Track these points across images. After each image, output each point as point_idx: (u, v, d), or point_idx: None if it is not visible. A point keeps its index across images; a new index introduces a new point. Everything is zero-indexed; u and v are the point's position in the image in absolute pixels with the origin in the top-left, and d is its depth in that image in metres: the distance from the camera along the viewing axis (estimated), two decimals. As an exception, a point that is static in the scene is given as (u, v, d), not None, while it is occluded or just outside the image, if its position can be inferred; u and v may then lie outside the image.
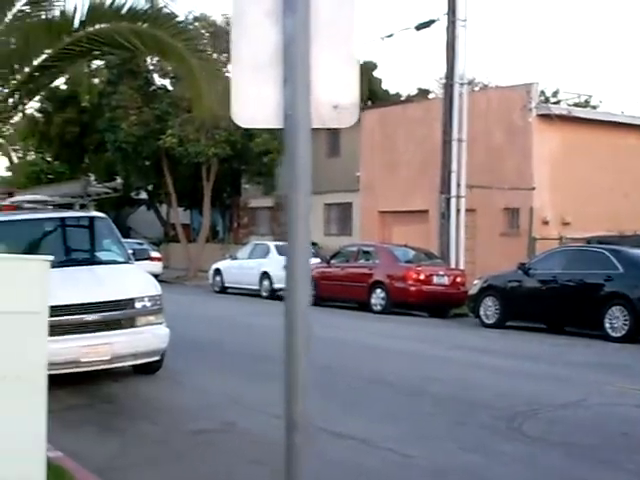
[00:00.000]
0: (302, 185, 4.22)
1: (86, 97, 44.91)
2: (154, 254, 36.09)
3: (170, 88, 41.55)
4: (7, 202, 15.72)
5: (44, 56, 10.37)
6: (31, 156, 55.05)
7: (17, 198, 16.34)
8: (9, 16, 10.25)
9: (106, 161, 45.61)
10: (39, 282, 6.15)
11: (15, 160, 54.72)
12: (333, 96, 4.34)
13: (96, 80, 44.63)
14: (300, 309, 4.28)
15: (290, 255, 4.28)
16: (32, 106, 34.43)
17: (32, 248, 12.72)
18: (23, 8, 10.21)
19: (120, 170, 43.15)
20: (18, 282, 6.08)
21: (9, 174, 58.04)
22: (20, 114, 11.82)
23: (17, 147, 54.93)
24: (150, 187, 46.30)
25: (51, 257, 6.31)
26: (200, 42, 10.42)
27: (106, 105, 41.58)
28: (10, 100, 10.70)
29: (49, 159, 52.95)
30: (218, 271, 33.33)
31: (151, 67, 41.46)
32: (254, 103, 4.31)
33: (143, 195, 49.43)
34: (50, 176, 48.39)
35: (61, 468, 7.32)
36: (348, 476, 8.14)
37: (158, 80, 42.59)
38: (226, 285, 32.65)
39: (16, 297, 6.05)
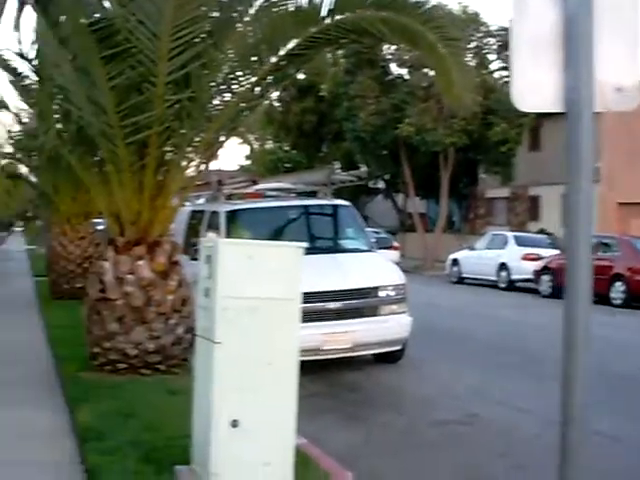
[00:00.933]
0: (585, 171, 4.00)
1: (325, 86, 45.58)
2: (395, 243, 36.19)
3: (407, 77, 41.49)
4: (251, 190, 16.15)
5: (291, 45, 10.47)
6: (269, 145, 56.42)
7: (261, 186, 16.76)
8: (256, 6, 10.40)
9: (344, 150, 46.15)
10: (293, 269, 6.17)
11: (254, 149, 56.16)
12: (616, 79, 4.13)
13: (334, 69, 45.16)
14: (581, 301, 4.06)
15: (571, 244, 4.06)
16: (271, 95, 35.21)
17: (277, 235, 12.97)
18: (269, -2, 10.35)
19: (359, 159, 43.56)
20: (273, 268, 6.12)
21: (248, 162, 59.87)
22: (264, 103, 12.05)
23: (256, 136, 56.37)
24: (387, 176, 46.44)
25: (304, 244, 6.32)
26: (449, 30, 10.17)
27: (344, 94, 42.05)
28: (257, 89, 10.85)
29: (287, 148, 54.12)
30: (456, 261, 33.11)
31: (389, 56, 41.58)
32: (534, 87, 4.18)
33: (380, 184, 49.69)
34: (288, 165, 49.49)
35: (306, 455, 7.36)
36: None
37: (395, 69, 42.66)
38: (463, 275, 32.38)
39: (271, 283, 6.10)
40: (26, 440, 7.96)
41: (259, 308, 6.04)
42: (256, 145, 55.61)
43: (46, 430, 8.35)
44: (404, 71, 42.18)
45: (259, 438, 6.14)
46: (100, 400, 9.06)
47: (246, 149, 55.88)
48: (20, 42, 13.99)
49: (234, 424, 6.07)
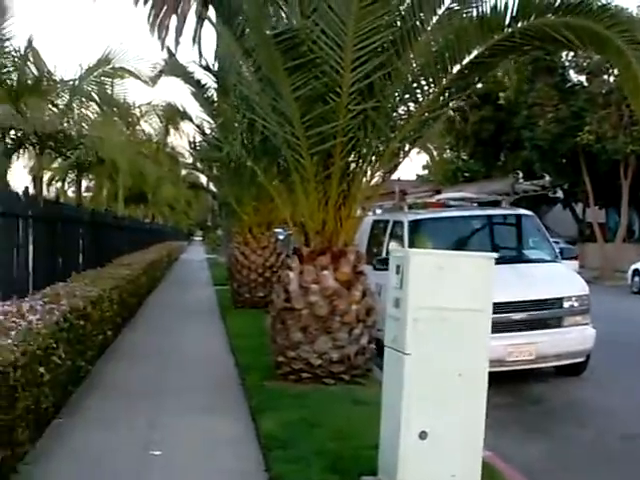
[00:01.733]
0: None
1: (504, 94, 45.02)
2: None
3: (586, 84, 40.54)
4: (434, 199, 16.05)
5: (474, 53, 10.32)
6: (447, 154, 56.05)
7: (443, 195, 16.62)
8: (438, 14, 10.31)
9: (522, 159, 45.40)
10: (484, 279, 6.07)
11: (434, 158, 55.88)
12: None
13: (515, 77, 44.50)
14: None
15: None
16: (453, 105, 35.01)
17: (460, 245, 12.82)
18: (452, 6, 10.22)
19: (537, 168, 42.85)
20: (464, 279, 6.03)
21: (426, 172, 59.72)
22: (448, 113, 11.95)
23: (435, 145, 55.99)
24: (566, 185, 45.48)
25: (495, 254, 6.21)
26: (635, 34, 9.80)
27: (523, 102, 41.42)
28: (440, 98, 10.76)
29: (464, 157, 53.69)
30: (637, 272, 32.10)
31: (567, 63, 40.77)
32: None
33: (558, 193, 48.72)
34: (466, 174, 49.05)
35: (492, 468, 7.24)
36: None
37: (574, 76, 41.77)
38: (645, 286, 31.40)
39: (461, 294, 6.01)
40: (212, 447, 8.09)
41: (450, 319, 5.97)
42: (435, 154, 55.27)
43: (231, 438, 8.47)
44: (583, 78, 41.25)
45: (447, 450, 6.08)
46: (284, 409, 9.13)
47: (423, 158, 55.60)
48: (201, 55, 14.32)
49: (422, 435, 6.02)
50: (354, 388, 10.28)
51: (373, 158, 10.61)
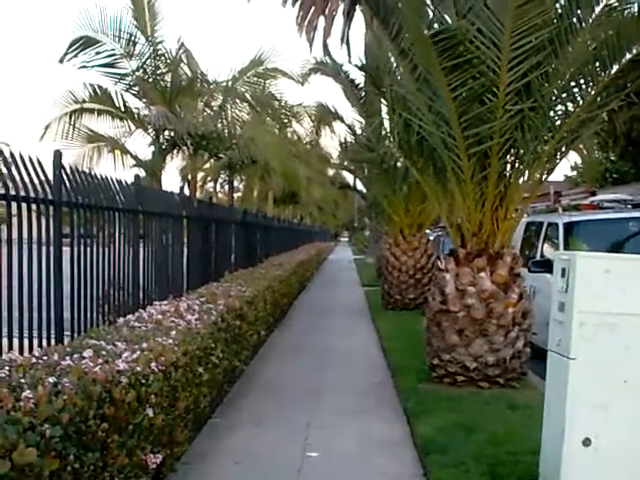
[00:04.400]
0: None
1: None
2: None
3: None
4: (587, 201, 15.70)
5: (635, 51, 10.01)
6: (597, 155, 54.68)
7: (598, 197, 16.24)
8: (596, 11, 10.04)
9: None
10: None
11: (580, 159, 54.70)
12: None
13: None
14: None
15: None
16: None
17: (618, 248, 12.50)
18: (611, 2, 9.93)
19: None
20: (632, 283, 5.84)
21: (574, 173, 58.46)
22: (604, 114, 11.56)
23: (585, 146, 54.70)
24: None
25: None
26: None
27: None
28: (598, 99, 10.47)
29: (613, 158, 52.30)
30: None
31: None
32: None
33: None
34: (615, 175, 47.79)
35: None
36: None
37: None
38: None
39: (630, 298, 5.83)
40: (368, 450, 8.06)
41: (617, 324, 5.79)
42: (585, 155, 54.02)
43: (387, 441, 8.42)
44: None
45: (611, 458, 5.90)
46: (439, 412, 9.06)
47: (572, 159, 54.42)
48: (349, 54, 14.37)
49: (586, 442, 5.86)
50: (509, 392, 10.13)
51: (530, 159, 10.41)
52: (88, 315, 7.85)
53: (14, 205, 6.28)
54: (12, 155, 6.28)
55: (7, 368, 4.49)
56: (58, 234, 7.12)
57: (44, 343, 6.77)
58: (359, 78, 19.28)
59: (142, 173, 21.47)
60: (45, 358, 4.96)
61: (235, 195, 34.68)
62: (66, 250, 7.30)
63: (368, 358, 13.44)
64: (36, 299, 6.67)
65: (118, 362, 5.13)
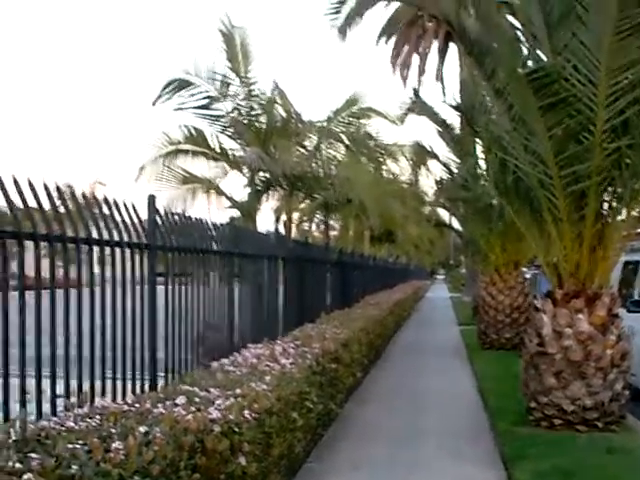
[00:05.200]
0: None
1: None
2: None
3: None
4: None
5: None
6: None
7: None
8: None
9: None
10: None
11: None
12: None
13: None
14: None
15: None
16: None
17: None
18: None
19: None
20: None
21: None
22: None
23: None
24: None
25: None
26: None
27: None
28: None
29: None
30: None
31: None
32: None
33: None
34: None
35: None
36: None
37: None
38: None
39: None
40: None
41: None
42: None
43: (484, 485, 8.29)
44: None
45: None
46: (537, 457, 8.86)
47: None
48: (444, 92, 14.35)
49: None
50: (608, 436, 9.87)
51: (628, 197, 10.19)
52: (182, 356, 7.89)
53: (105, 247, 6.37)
54: (106, 200, 6.39)
55: (98, 417, 4.51)
56: (152, 276, 7.18)
57: (138, 385, 6.81)
58: (454, 117, 19.23)
59: (237, 213, 21.67)
60: (137, 406, 4.98)
61: (331, 233, 34.77)
62: (161, 290, 7.37)
63: (464, 400, 13.26)
64: (130, 340, 6.73)
65: (211, 410, 5.11)
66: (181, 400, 5.19)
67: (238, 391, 5.95)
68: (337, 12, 19.90)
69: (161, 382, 7.05)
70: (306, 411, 7.93)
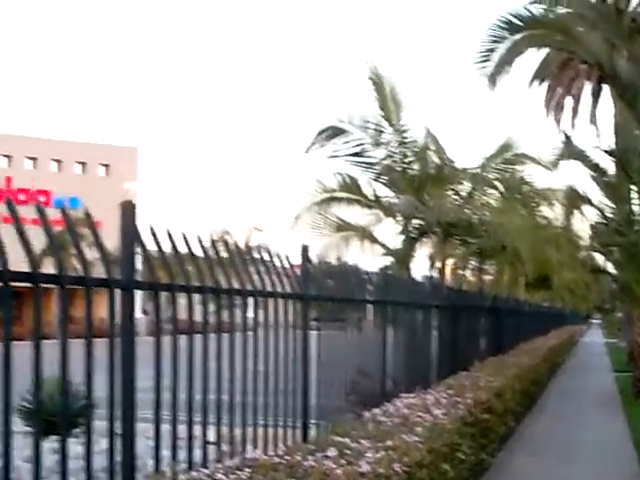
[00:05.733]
0: None
1: None
2: None
3: None
4: None
5: None
6: None
7: None
8: None
9: None
10: None
11: None
12: None
13: None
14: None
15: None
16: None
17: None
18: None
19: None
20: None
21: None
22: None
23: None
24: None
25: None
26: None
27: None
28: None
29: None
30: None
31: None
32: None
33: None
34: None
35: None
36: None
37: None
38: None
39: None
40: None
41: None
42: None
43: None
44: None
45: None
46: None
47: None
48: (598, 136, 14.11)
49: None
50: None
51: None
52: (334, 403, 7.92)
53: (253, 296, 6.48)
54: (259, 249, 6.53)
55: (249, 469, 4.56)
56: (305, 324, 7.28)
57: (290, 433, 6.87)
58: (608, 161, 18.84)
59: (390, 260, 21.66)
60: (288, 458, 5.00)
61: (485, 277, 34.42)
62: (313, 334, 7.44)
63: (617, 452, 12.85)
64: (283, 387, 6.80)
65: (361, 463, 5.11)
66: (332, 452, 5.21)
67: (389, 443, 5.92)
68: (486, 60, 19.82)
69: (313, 430, 7.10)
70: (457, 462, 7.83)
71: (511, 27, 18.17)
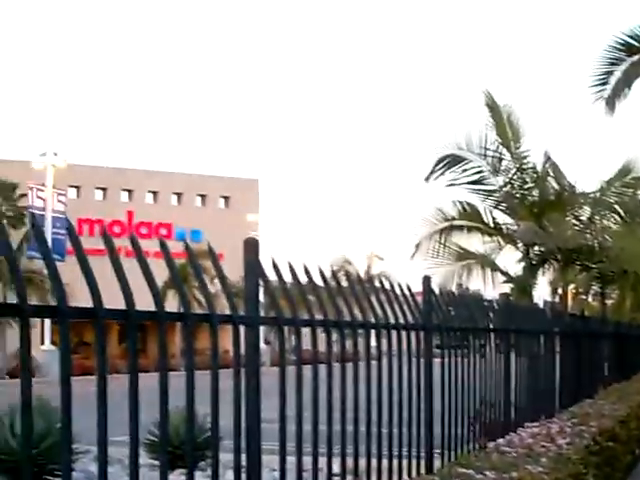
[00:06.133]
0: None
1: None
2: None
3: None
4: None
5: None
6: None
7: None
8: None
9: None
10: None
11: None
12: None
13: None
14: None
15: None
16: None
17: None
18: None
19: None
20: None
21: None
22: None
23: None
24: None
25: None
26: None
27: None
28: None
29: None
30: None
31: None
32: None
33: None
34: None
35: None
36: None
37: None
38: None
39: None
40: None
41: None
42: None
43: None
44: None
45: None
46: None
47: None
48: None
49: None
50: None
51: None
52: (459, 433, 7.89)
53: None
54: (381, 280, 6.58)
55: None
56: (428, 354, 7.29)
57: (414, 463, 6.87)
58: None
59: (511, 287, 21.41)
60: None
61: (607, 302, 33.78)
62: (436, 362, 7.45)
63: None
64: (407, 416, 6.82)
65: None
66: (456, 484, 5.21)
67: (514, 474, 5.88)
68: (603, 84, 19.54)
69: (437, 460, 7.09)
70: (583, 492, 7.71)
71: (628, 48, 17.85)
